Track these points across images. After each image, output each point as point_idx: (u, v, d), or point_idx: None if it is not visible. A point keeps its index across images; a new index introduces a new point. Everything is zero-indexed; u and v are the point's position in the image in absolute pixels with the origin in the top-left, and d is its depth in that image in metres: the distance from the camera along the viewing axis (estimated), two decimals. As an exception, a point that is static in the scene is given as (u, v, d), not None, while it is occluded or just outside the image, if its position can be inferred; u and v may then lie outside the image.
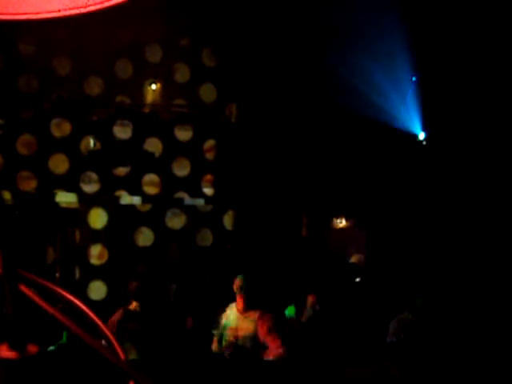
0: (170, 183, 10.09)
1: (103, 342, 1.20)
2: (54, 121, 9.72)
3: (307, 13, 9.70)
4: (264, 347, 5.65)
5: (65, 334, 5.34)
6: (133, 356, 5.67)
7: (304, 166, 10.46)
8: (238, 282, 6.01)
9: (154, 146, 10.09)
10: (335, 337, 6.50)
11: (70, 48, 9.52)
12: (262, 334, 5.67)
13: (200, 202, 10.30)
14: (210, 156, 10.35)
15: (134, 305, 6.23)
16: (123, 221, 9.90)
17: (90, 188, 9.81)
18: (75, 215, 9.83)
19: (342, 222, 11.93)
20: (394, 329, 6.58)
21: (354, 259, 10.13)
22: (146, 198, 10.02)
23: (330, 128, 10.48)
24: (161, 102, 10.41)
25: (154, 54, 10.11)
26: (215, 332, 6.16)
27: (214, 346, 6.08)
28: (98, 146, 9.88)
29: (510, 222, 10.00)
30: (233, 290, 6.03)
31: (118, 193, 9.95)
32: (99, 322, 1.26)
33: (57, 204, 9.73)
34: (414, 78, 11.08)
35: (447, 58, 10.17)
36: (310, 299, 7.76)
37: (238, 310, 5.99)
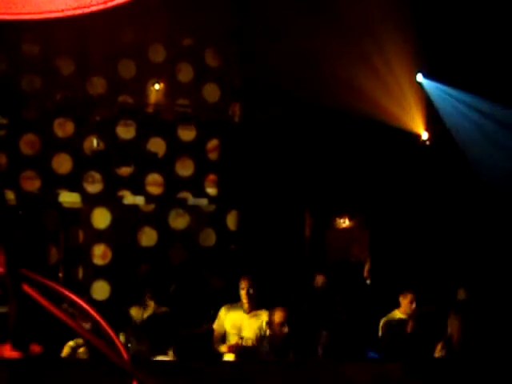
0: (173, 183, 10.09)
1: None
2: (58, 121, 9.72)
3: (308, 11, 9.69)
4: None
5: None
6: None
7: (307, 166, 10.45)
8: (244, 282, 5.98)
9: (157, 145, 10.08)
10: (336, 336, 6.49)
11: (73, 48, 9.52)
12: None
13: (203, 201, 10.29)
14: (213, 156, 10.33)
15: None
16: (126, 221, 9.90)
17: (94, 188, 9.81)
18: (78, 215, 9.83)
19: (345, 222, 11.91)
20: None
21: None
22: (149, 197, 10.02)
23: (334, 128, 10.47)
24: (164, 102, 10.40)
25: (158, 54, 10.11)
26: (215, 327, 6.12)
27: (216, 345, 6.05)
28: (102, 145, 9.88)
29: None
30: (237, 289, 6.00)
31: (121, 193, 9.94)
32: (103, 322, 1.26)
33: (60, 204, 9.73)
34: (417, 77, 11.06)
35: (450, 56, 10.16)
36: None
37: (243, 309, 5.97)
